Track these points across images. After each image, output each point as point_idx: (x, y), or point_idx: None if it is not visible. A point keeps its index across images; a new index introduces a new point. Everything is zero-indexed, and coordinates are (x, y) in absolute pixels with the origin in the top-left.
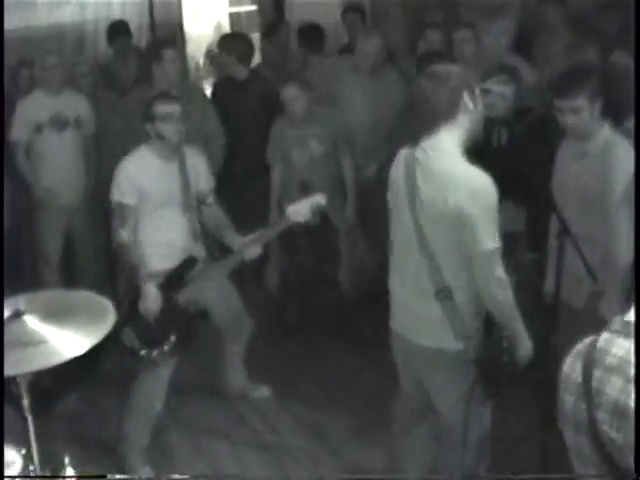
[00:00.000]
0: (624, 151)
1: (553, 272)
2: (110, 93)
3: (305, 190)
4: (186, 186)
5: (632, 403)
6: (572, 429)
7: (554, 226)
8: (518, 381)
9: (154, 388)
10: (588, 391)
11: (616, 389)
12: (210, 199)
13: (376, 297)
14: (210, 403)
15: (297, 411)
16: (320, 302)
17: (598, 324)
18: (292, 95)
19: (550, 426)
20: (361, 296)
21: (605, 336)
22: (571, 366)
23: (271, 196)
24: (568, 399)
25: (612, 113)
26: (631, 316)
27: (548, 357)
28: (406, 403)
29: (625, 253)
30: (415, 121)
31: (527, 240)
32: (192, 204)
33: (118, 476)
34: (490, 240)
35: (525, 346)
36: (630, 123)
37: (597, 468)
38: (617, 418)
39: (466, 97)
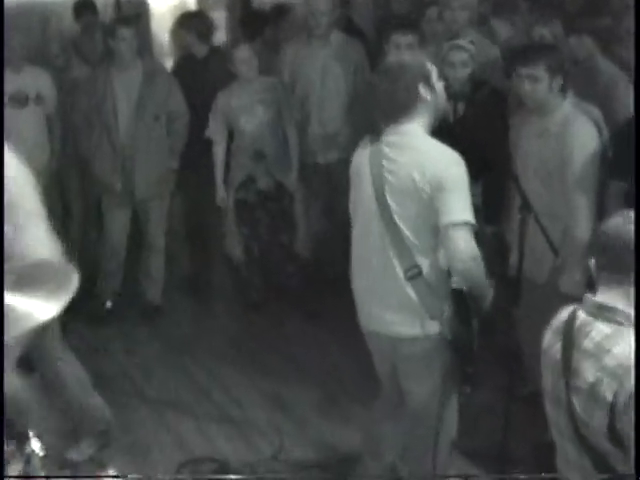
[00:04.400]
0: (583, 128)
1: (514, 246)
2: (76, 69)
3: (258, 159)
4: None
5: (606, 393)
6: (552, 403)
7: (515, 200)
8: (481, 353)
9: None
10: (567, 371)
11: (591, 376)
12: None
13: (338, 266)
14: (175, 378)
15: (262, 385)
16: (282, 274)
17: (558, 299)
18: (244, 56)
19: (512, 397)
20: (320, 265)
21: (582, 317)
22: (550, 343)
23: (215, 175)
24: (548, 376)
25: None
26: (605, 298)
27: (510, 330)
28: (383, 391)
29: (583, 230)
30: (375, 113)
31: (485, 213)
32: None
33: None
34: (466, 212)
35: (488, 294)
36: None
37: (574, 443)
38: (591, 405)
39: (422, 89)
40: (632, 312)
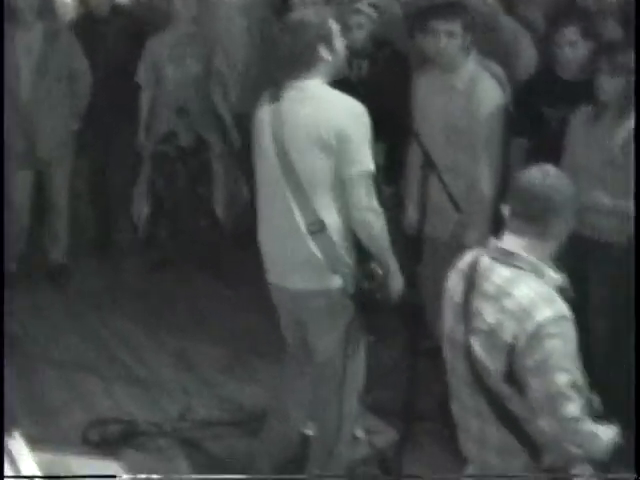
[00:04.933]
0: (489, 85)
1: (415, 204)
2: None
3: (181, 115)
4: None
5: (505, 335)
6: (451, 346)
7: (417, 158)
8: (387, 311)
9: None
10: (467, 314)
11: (491, 318)
12: None
13: (251, 222)
14: (81, 339)
15: (169, 344)
16: (194, 229)
17: (463, 254)
18: None
19: (417, 352)
20: (236, 222)
21: (485, 261)
22: (453, 285)
23: (139, 120)
24: (449, 318)
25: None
26: (509, 244)
27: (414, 287)
28: (290, 349)
29: (488, 185)
30: (276, 67)
31: (385, 173)
32: None
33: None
34: (368, 162)
35: (397, 281)
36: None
37: (470, 386)
38: (489, 346)
39: (322, 49)
40: (534, 260)
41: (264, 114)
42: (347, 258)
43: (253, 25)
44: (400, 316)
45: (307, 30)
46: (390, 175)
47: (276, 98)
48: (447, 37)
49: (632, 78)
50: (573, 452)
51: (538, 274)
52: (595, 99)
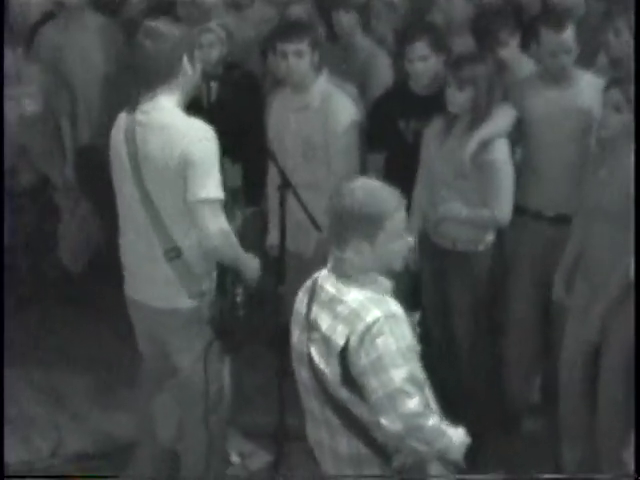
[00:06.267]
0: (342, 102)
1: (276, 224)
2: None
3: (21, 154)
4: None
5: (338, 339)
6: (297, 359)
7: (274, 178)
8: (252, 334)
9: None
10: (308, 324)
11: (326, 324)
12: None
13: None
14: None
15: (36, 380)
16: (49, 265)
17: None
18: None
19: (285, 374)
20: (88, 257)
21: (324, 273)
22: (300, 300)
23: None
24: (295, 332)
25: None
26: (346, 254)
27: (278, 309)
28: (148, 368)
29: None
30: (134, 82)
31: (245, 194)
32: None
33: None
34: (213, 187)
35: (252, 267)
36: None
37: (316, 397)
38: (325, 352)
39: (185, 61)
40: (364, 268)
41: (119, 136)
42: (203, 283)
43: (109, 55)
44: (267, 339)
45: (173, 38)
46: (252, 195)
47: (130, 121)
48: (295, 57)
49: (479, 90)
50: (420, 449)
51: (368, 281)
52: (445, 112)
